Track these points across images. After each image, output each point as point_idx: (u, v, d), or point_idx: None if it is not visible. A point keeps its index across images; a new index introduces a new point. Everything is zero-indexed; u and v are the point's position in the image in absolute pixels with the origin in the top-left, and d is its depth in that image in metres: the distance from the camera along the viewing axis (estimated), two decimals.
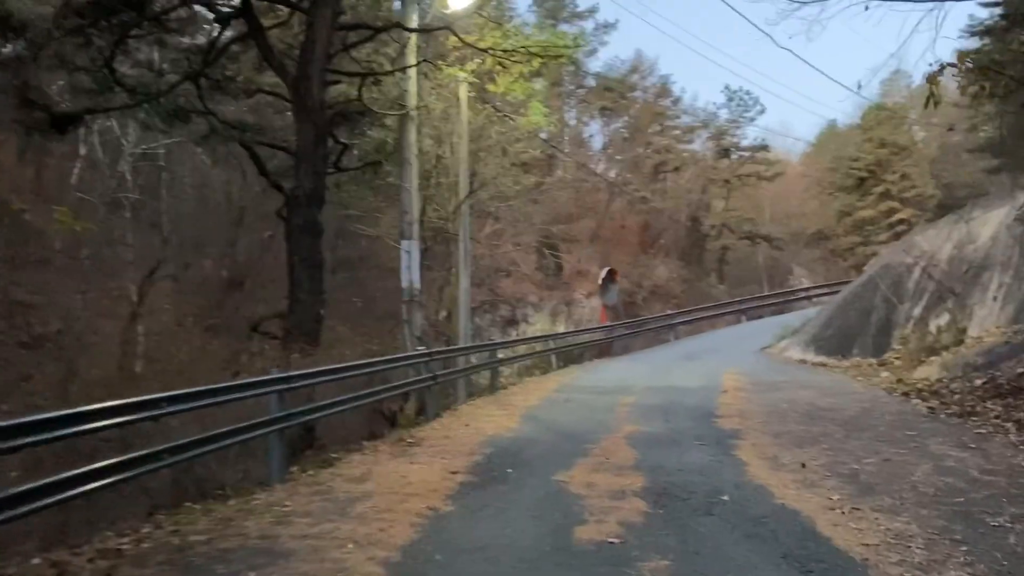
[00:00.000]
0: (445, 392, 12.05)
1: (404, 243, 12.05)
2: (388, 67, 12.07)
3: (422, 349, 9.71)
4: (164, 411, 4.76)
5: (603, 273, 20.79)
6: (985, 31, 22.86)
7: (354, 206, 16.54)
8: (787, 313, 25.90)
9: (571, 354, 18.11)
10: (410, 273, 11.95)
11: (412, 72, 11.92)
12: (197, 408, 5.28)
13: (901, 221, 40.89)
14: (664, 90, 40.74)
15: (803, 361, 15.24)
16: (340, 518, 4.85)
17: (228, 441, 5.54)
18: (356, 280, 16.13)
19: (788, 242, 41.17)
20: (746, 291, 36.21)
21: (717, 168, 40.64)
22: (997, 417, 7.80)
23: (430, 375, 9.66)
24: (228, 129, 11.75)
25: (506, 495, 5.41)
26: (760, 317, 25.70)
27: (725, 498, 5.16)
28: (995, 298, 11.53)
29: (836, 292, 28.14)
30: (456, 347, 12.19)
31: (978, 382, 9.18)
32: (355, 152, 13.46)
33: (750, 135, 39.32)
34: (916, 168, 42.67)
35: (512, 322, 22.72)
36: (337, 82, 11.74)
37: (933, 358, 11.43)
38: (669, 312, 23.16)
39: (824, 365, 14.55)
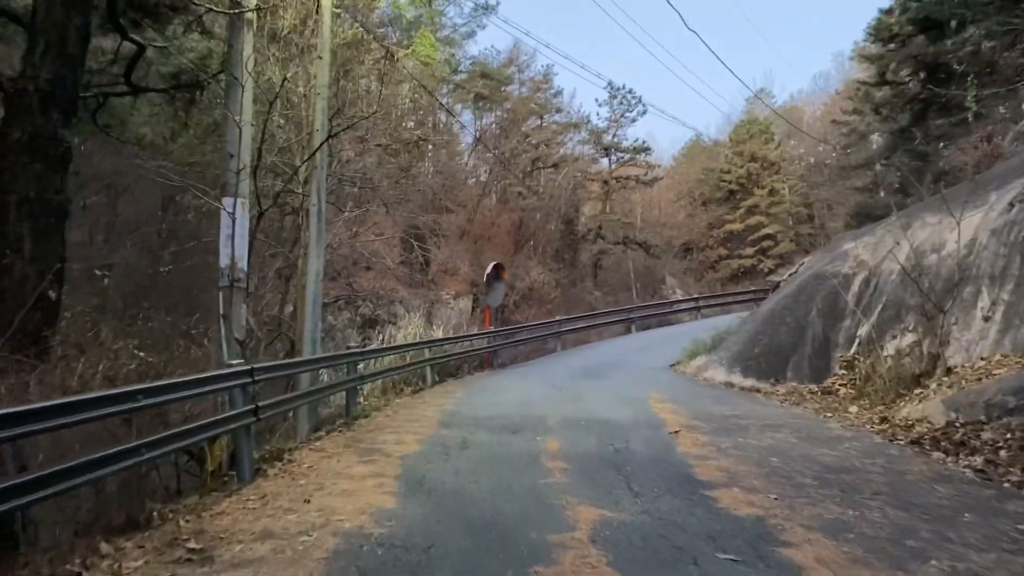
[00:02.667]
0: (281, 420, 8.28)
1: (227, 202, 8.17)
2: None
3: (237, 364, 5.91)
4: None
5: (488, 268, 17.48)
6: (891, 37, 22.08)
7: (177, 158, 12.11)
8: (676, 325, 23.93)
9: (447, 365, 14.66)
10: (233, 246, 8.09)
11: None
12: None
13: (767, 236, 41.20)
14: (545, 81, 38.37)
15: (730, 384, 12.74)
16: None
17: None
18: (156, 260, 11.74)
19: (661, 251, 40.08)
20: (619, 299, 34.53)
21: (593, 170, 38.93)
22: None
23: (249, 408, 5.90)
24: None
25: None
26: (648, 328, 23.49)
27: None
28: (986, 318, 9.40)
29: (726, 304, 26.69)
30: (296, 360, 8.29)
31: None
32: (163, 68, 9.20)
33: (630, 136, 37.63)
34: (784, 184, 43.25)
35: (373, 322, 18.91)
36: None
37: (920, 391, 9.10)
38: (558, 319, 20.21)
39: (757, 391, 12.11)
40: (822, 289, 13.37)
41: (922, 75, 21.61)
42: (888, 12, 22.06)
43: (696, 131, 56.57)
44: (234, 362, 6.01)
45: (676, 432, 7.95)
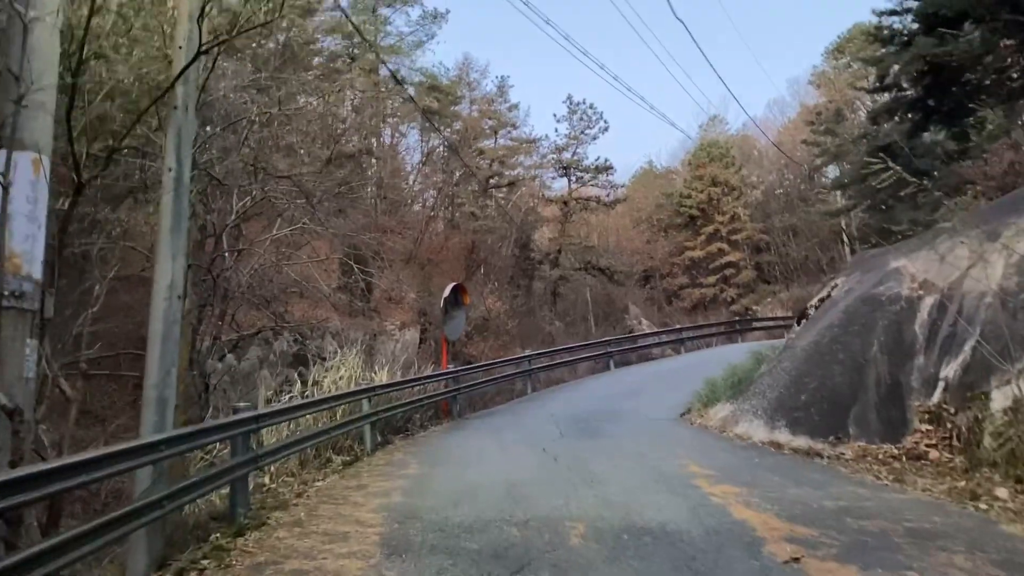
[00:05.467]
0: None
1: None
2: None
3: None
4: None
5: (446, 292, 13.99)
6: (890, 37, 19.87)
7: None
8: (659, 360, 20.83)
9: (393, 419, 11.06)
10: (7, 234, 4.50)
11: None
12: None
13: (729, 264, 38.91)
14: (501, 93, 35.45)
15: (776, 444, 9.54)
16: None
17: None
18: None
19: (624, 277, 37.22)
20: (579, 329, 31.58)
21: (545, 195, 36.07)
22: None
23: None
24: None
25: None
26: (628, 363, 20.29)
27: None
28: None
29: (710, 334, 23.80)
30: (80, 460, 4.33)
31: None
32: None
33: (591, 155, 34.73)
34: (746, 210, 41.26)
35: (300, 360, 15.16)
36: None
37: None
38: (528, 354, 16.77)
39: (817, 454, 8.94)
40: (880, 317, 10.37)
41: (926, 81, 19.38)
42: (886, 12, 19.82)
43: (666, 149, 54.59)
44: None
45: (796, 561, 4.61)
